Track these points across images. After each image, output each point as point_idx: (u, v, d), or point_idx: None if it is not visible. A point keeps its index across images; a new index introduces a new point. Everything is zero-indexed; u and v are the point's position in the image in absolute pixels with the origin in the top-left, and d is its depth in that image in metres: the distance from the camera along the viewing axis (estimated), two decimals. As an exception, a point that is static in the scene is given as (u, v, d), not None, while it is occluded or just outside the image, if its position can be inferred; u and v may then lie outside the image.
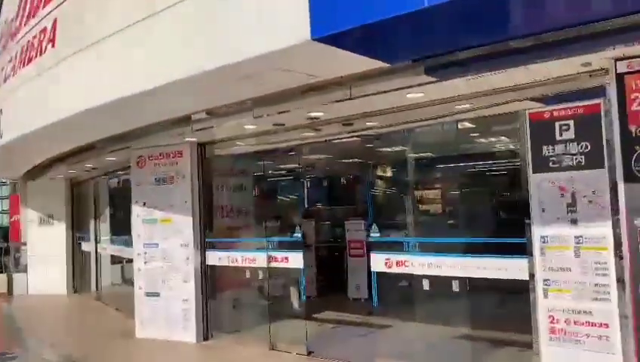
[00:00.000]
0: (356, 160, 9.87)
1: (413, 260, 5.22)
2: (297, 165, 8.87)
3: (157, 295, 7.32)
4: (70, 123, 6.11)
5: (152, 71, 4.76)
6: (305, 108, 5.23)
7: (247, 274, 6.85)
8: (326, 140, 6.57)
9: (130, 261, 10.90)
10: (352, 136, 6.52)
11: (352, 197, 10.54)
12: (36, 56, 6.56)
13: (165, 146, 7.29)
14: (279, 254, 6.21)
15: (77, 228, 12.37)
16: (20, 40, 7.22)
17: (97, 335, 7.88)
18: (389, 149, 8.63)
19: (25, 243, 13.17)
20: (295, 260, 6.03)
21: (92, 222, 11.68)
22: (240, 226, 7.66)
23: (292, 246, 6.03)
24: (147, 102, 5.28)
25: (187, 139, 6.90)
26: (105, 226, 11.65)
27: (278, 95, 4.98)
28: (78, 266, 12.39)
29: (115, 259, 11.87)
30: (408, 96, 4.65)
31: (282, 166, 9.61)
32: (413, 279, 5.36)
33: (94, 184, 11.50)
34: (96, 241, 11.11)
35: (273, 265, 6.32)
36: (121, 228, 10.73)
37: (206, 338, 7.08)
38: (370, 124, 5.92)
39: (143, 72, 4.89)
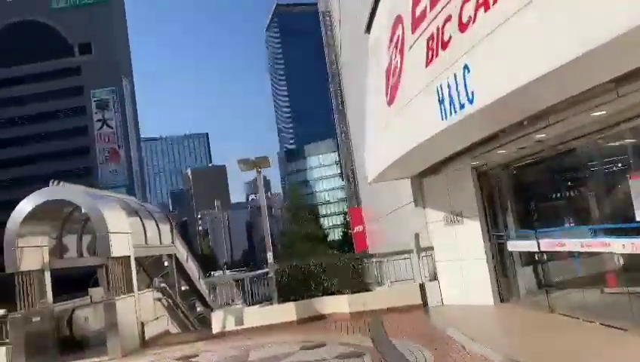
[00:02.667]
0: None
1: None
2: None
3: None
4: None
5: None
6: None
7: None
8: None
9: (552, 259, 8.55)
10: None
11: None
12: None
13: None
14: None
15: (493, 225, 10.37)
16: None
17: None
18: None
19: (430, 248, 11.87)
20: None
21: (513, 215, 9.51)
22: None
23: None
24: None
25: None
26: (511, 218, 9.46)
27: None
28: (501, 270, 10.35)
29: (527, 260, 9.63)
30: None
31: None
32: None
33: (517, 169, 9.29)
34: (537, 237, 8.76)
35: None
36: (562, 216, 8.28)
37: None
38: None
39: None
